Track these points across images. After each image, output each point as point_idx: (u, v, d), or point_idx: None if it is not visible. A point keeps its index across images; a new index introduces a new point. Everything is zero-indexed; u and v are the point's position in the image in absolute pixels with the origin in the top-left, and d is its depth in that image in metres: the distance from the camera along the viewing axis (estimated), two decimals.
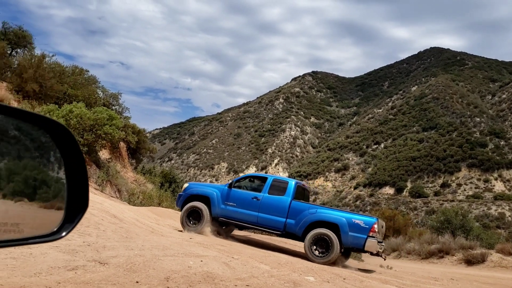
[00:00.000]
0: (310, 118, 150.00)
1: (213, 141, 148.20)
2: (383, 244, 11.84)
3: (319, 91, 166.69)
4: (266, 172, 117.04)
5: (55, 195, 1.21)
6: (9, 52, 24.54)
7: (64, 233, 1.07)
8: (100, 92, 26.66)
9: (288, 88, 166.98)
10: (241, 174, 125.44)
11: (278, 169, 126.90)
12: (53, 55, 23.61)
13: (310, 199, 13.68)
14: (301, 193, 12.37)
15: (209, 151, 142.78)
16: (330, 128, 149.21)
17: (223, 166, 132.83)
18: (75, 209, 1.10)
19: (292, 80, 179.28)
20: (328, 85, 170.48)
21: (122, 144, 27.37)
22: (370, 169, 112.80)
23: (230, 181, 12.72)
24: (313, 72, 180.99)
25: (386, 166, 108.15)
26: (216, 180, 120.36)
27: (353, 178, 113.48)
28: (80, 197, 1.11)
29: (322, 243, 10.83)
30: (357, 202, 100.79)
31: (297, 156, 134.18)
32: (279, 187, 11.83)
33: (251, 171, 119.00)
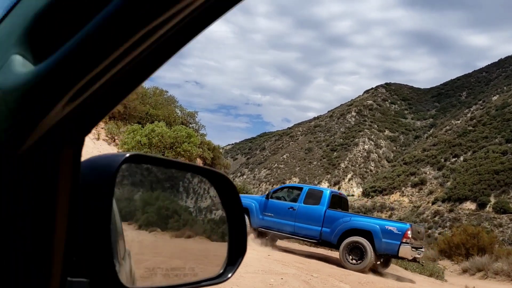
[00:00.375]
0: (384, 131, 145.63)
1: (284, 156, 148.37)
2: (422, 249, 11.74)
3: (393, 103, 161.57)
4: (339, 188, 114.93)
5: (185, 224, 1.30)
6: None
7: (229, 275, 1.17)
8: (178, 111, 27.85)
9: (360, 101, 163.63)
10: None
11: (351, 184, 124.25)
12: None
13: (349, 207, 13.89)
14: (337, 202, 12.58)
15: (280, 166, 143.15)
16: (405, 141, 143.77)
17: (295, 181, 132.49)
18: (236, 252, 1.19)
19: (364, 92, 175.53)
20: (402, 97, 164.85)
21: (199, 160, 28.30)
22: (449, 183, 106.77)
23: (267, 192, 13.07)
24: (386, 83, 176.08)
25: (466, 180, 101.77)
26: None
27: (431, 192, 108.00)
28: (239, 241, 1.21)
29: (357, 251, 10.95)
30: (436, 218, 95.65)
31: (371, 170, 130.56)
32: (314, 196, 12.09)
33: (324, 186, 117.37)
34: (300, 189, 12.55)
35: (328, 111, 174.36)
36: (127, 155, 0.87)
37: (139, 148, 19.19)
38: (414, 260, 11.35)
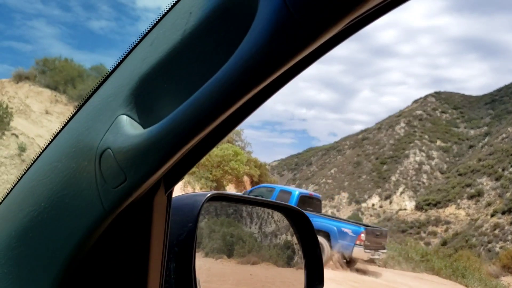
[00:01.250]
0: (436, 142, 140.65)
1: (332, 171, 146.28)
2: (383, 251, 12.57)
3: (444, 112, 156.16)
4: (390, 202, 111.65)
5: (250, 250, 1.27)
6: None
7: None
8: None
9: (409, 112, 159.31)
10: (363, 204, 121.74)
11: (403, 198, 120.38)
12: None
13: (321, 207, 14.38)
14: (308, 202, 13.07)
15: (328, 181, 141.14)
16: (459, 151, 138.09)
17: (344, 196, 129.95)
18: (313, 284, 1.21)
19: (413, 102, 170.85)
20: (453, 105, 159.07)
21: (246, 178, 28.32)
22: (508, 194, 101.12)
23: (245, 191, 14.01)
24: (435, 92, 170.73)
25: None
26: (337, 211, 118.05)
27: (489, 204, 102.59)
28: (316, 271, 1.23)
29: None
30: (496, 231, 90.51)
31: (423, 183, 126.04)
32: (284, 196, 12.62)
33: (374, 200, 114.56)
34: (273, 189, 13.32)
35: (376, 123, 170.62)
36: (209, 195, 0.94)
37: None
38: (372, 261, 12.04)
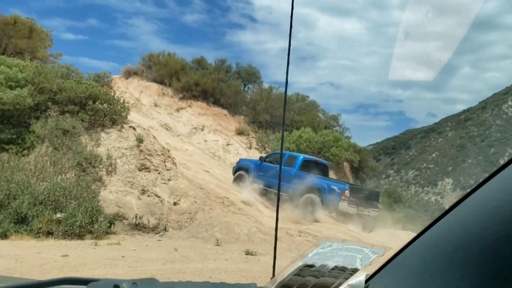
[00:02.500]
0: None
1: (433, 155, 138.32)
2: (374, 209, 14.23)
3: None
4: None
5: None
6: (242, 88, 27.91)
7: None
8: (321, 115, 27.87)
9: None
10: (468, 190, 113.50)
11: None
12: (279, 87, 25.87)
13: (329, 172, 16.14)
14: (312, 167, 14.88)
15: (429, 166, 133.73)
16: None
17: (448, 183, 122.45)
18: None
19: None
20: None
21: (346, 164, 27.89)
22: None
23: (261, 157, 16.43)
24: None
25: None
26: (441, 198, 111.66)
27: None
28: None
29: (312, 205, 13.62)
30: None
31: None
32: (291, 161, 14.72)
33: None
34: (284, 155, 15.12)
35: (480, 102, 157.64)
36: None
37: None
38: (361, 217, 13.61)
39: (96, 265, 6.78)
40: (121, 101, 15.63)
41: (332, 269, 1.16)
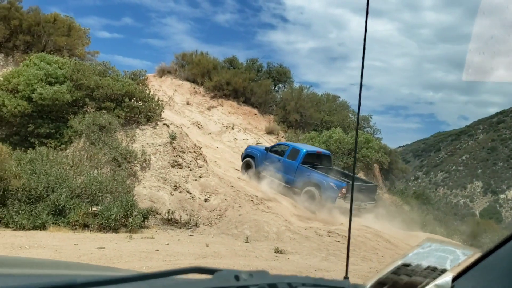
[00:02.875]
0: None
1: (463, 157, 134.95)
2: (371, 203, 14.88)
3: None
4: None
5: None
6: (273, 88, 27.98)
7: None
8: (351, 116, 27.66)
9: None
10: (501, 196, 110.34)
11: None
12: (309, 87, 25.84)
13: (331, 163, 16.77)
14: (317, 158, 15.83)
15: (459, 168, 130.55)
16: None
17: (478, 186, 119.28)
18: None
19: None
20: None
21: (375, 165, 27.59)
22: None
23: (266, 146, 17.10)
24: None
25: None
26: (471, 201, 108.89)
27: None
28: None
29: (312, 198, 14.49)
30: None
31: None
32: (294, 153, 15.41)
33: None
34: (287, 147, 16.02)
35: None
36: None
37: None
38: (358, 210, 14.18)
39: (131, 258, 6.99)
40: (156, 98, 15.96)
41: (425, 268, 1.22)
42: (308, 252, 9.71)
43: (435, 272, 1.21)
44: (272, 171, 15.64)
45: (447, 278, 1.22)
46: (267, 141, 21.45)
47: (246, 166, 16.73)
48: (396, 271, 1.22)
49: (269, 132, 22.31)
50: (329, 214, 13.88)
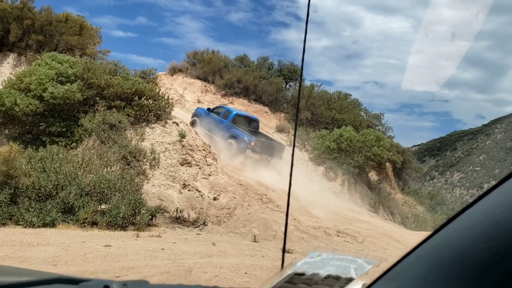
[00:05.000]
0: None
1: (480, 158, 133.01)
2: (271, 158, 17.51)
3: None
4: None
5: None
6: (283, 86, 27.87)
7: None
8: (363, 114, 27.42)
9: None
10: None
11: None
12: (320, 84, 25.72)
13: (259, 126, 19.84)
14: (244, 121, 18.78)
15: (476, 168, 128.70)
16: None
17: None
18: None
19: None
20: None
21: (388, 164, 27.31)
22: None
23: (208, 107, 20.13)
24: None
25: None
26: None
27: None
28: None
29: (231, 148, 17.31)
30: None
31: None
32: (227, 114, 18.38)
33: None
34: (223, 109, 19.10)
35: None
36: None
37: (328, 153, 19.48)
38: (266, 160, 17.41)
39: (136, 256, 7.00)
40: (166, 97, 16.01)
41: (325, 277, 1.17)
42: None
43: (340, 280, 1.17)
44: (211, 127, 18.62)
45: (357, 286, 1.18)
46: (278, 139, 21.40)
47: (192, 123, 19.02)
48: (291, 280, 1.17)
49: (280, 130, 22.22)
50: (241, 163, 16.91)
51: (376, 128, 27.16)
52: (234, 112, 18.72)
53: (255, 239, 10.33)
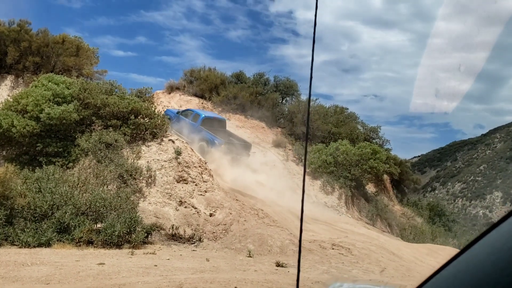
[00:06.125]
0: None
1: (481, 167, 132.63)
2: (237, 155, 18.56)
3: None
4: None
5: None
6: (280, 101, 28.11)
7: None
8: (360, 127, 27.60)
9: None
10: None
11: None
12: (316, 99, 25.90)
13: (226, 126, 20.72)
14: (213, 122, 19.88)
15: (477, 178, 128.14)
16: None
17: (497, 196, 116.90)
18: None
19: None
20: None
21: (385, 176, 27.36)
22: None
23: (178, 110, 21.03)
24: None
25: None
26: (490, 212, 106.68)
27: None
28: None
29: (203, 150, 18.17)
30: None
31: None
32: (196, 117, 19.43)
33: None
34: (192, 112, 20.09)
35: None
36: None
37: (325, 167, 19.57)
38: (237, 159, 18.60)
39: (129, 273, 7.07)
40: (161, 115, 16.19)
41: None
42: (310, 265, 9.68)
43: None
44: (181, 129, 19.23)
45: None
46: (275, 155, 21.49)
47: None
48: None
49: (277, 145, 22.34)
50: (214, 162, 17.50)
51: (374, 141, 27.30)
52: (203, 115, 19.80)
53: (250, 254, 10.38)
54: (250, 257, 10.23)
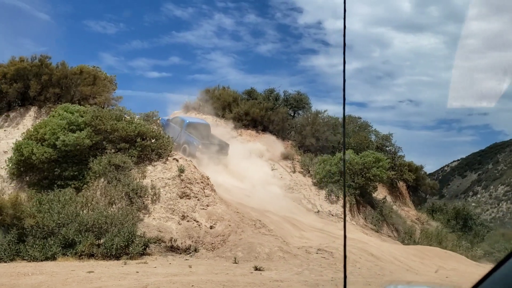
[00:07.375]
0: None
1: None
2: (214, 155, 20.73)
3: None
4: None
5: None
6: (291, 114, 28.99)
7: None
8: (373, 136, 28.06)
9: None
10: None
11: None
12: (325, 111, 26.68)
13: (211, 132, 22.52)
14: (196, 126, 21.90)
15: None
16: None
17: None
18: None
19: None
20: None
21: (401, 183, 27.61)
22: None
23: (168, 118, 23.39)
24: None
25: None
26: None
27: None
28: None
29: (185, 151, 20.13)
30: None
31: None
32: (181, 123, 21.52)
33: None
34: (178, 118, 22.44)
35: None
36: None
37: (330, 177, 20.23)
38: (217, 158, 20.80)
39: (109, 278, 8.14)
40: (166, 136, 17.44)
41: None
42: (288, 268, 10.47)
43: None
44: (171, 135, 19.94)
45: None
46: (282, 167, 22.34)
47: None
48: None
49: (285, 157, 23.19)
50: (196, 161, 18.75)
51: (387, 148, 27.66)
52: (187, 121, 21.98)
53: (235, 261, 11.25)
54: (236, 263, 11.10)
